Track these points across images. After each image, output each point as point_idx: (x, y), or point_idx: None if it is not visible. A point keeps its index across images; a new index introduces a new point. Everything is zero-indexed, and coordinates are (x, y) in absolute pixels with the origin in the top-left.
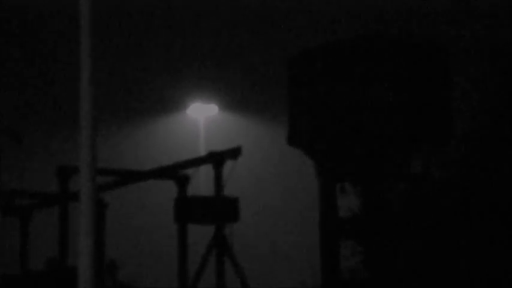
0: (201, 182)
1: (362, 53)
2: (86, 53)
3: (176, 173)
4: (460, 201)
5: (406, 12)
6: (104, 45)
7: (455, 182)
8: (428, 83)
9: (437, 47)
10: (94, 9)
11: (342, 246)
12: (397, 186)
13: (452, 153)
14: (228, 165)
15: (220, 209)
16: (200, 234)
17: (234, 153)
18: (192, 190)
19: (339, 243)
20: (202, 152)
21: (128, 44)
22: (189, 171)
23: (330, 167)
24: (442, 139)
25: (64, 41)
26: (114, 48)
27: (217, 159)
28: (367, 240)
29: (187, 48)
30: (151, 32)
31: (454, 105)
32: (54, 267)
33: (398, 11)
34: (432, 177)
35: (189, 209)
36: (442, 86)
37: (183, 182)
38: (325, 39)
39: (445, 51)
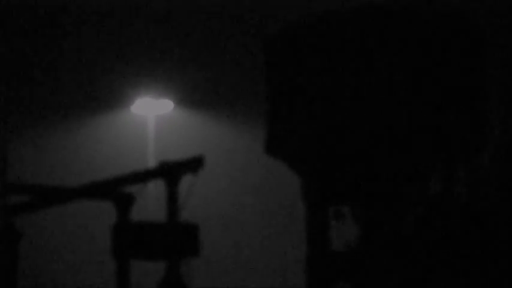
0: (149, 203)
1: (369, 29)
2: None
3: (116, 190)
4: (497, 229)
5: None
6: (29, 24)
7: (490, 203)
8: (456, 71)
9: (470, 21)
10: None
11: None
12: (410, 210)
13: (485, 164)
14: (186, 180)
15: (175, 240)
16: (147, 274)
17: (194, 164)
18: (137, 214)
19: (332, 286)
20: (151, 162)
21: (57, 24)
22: (134, 189)
23: (321, 184)
24: (474, 148)
25: None
26: (42, 29)
27: (171, 172)
28: (368, 284)
29: (133, 30)
30: (89, 14)
31: (490, 103)
32: None
33: None
34: (458, 197)
35: (132, 239)
36: (475, 76)
37: (124, 203)
38: (314, 12)
39: (480, 29)
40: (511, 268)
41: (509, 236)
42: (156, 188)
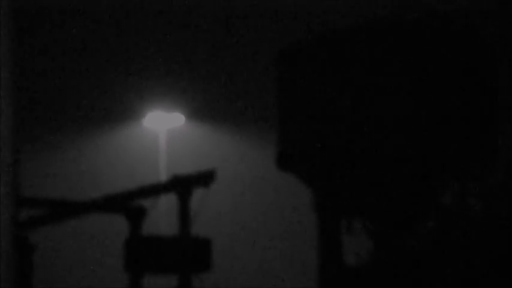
0: (161, 217)
1: (383, 44)
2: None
3: (127, 204)
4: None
5: None
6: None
7: (504, 216)
8: (468, 86)
9: (481, 37)
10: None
11: None
12: (422, 224)
13: (499, 176)
14: (198, 194)
15: (187, 254)
16: None
17: (206, 178)
18: (149, 228)
19: None
20: (163, 176)
21: (70, 37)
22: (146, 203)
23: (333, 198)
24: (486, 162)
25: None
26: (49, 40)
27: (183, 186)
28: None
29: (143, 42)
30: (101, 25)
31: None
32: None
33: None
34: (470, 210)
35: (144, 253)
36: (486, 91)
37: (136, 217)
38: (325, 27)
39: (491, 44)
40: None
41: None
42: (167, 202)
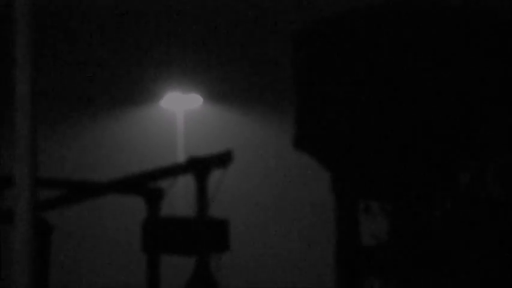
0: (179, 198)
1: (402, 24)
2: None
3: (145, 185)
4: None
5: None
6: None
7: None
8: (492, 66)
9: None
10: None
11: (366, 285)
12: (440, 205)
13: None
14: (215, 175)
15: (204, 235)
16: (177, 268)
17: (223, 159)
18: (167, 209)
19: (362, 281)
20: (180, 157)
21: (87, 20)
22: (163, 184)
23: (351, 179)
24: (505, 145)
25: None
26: (66, 23)
27: (200, 167)
28: (398, 278)
29: (161, 23)
30: (118, 6)
31: None
32: None
33: None
34: (488, 193)
35: (162, 234)
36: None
37: (154, 198)
38: (344, 7)
39: None
40: None
41: None
42: (185, 183)
